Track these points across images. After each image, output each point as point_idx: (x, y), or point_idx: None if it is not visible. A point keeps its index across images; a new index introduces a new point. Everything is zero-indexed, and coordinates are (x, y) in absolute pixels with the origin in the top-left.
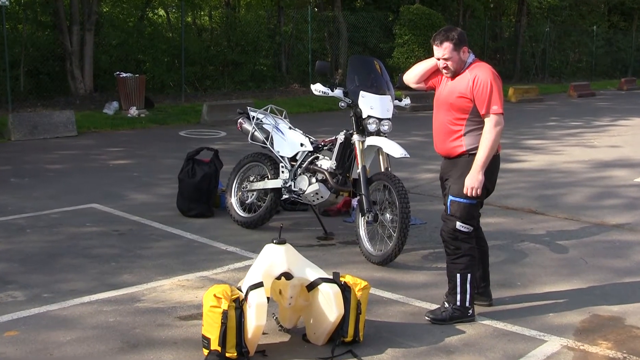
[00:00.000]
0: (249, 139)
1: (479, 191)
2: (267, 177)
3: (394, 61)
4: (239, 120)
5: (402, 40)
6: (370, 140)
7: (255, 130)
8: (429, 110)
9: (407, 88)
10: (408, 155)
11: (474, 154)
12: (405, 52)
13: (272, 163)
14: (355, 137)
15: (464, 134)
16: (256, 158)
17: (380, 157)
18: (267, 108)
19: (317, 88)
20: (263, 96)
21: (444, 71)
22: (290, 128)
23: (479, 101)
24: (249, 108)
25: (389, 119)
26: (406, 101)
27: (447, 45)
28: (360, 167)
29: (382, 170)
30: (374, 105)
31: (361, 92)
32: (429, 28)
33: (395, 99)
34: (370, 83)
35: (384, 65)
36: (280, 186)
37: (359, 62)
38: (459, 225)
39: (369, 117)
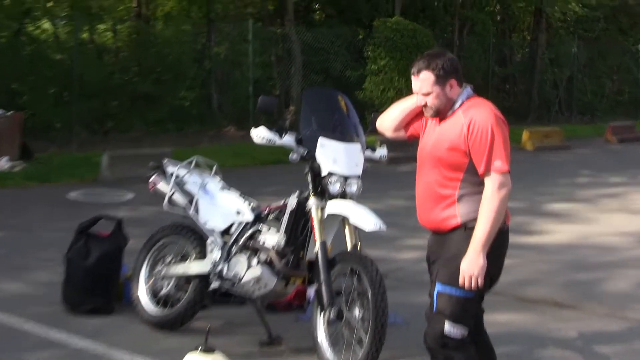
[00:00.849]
0: (165, 204)
1: (479, 280)
2: (190, 257)
3: (365, 94)
4: (152, 178)
5: (376, 67)
6: (333, 207)
7: (175, 192)
8: (414, 162)
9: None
10: (384, 228)
11: (472, 228)
12: (381, 82)
13: (196, 238)
14: (312, 202)
15: (458, 200)
16: (175, 231)
17: (347, 229)
18: (192, 160)
19: (260, 133)
20: (186, 143)
21: (424, 110)
22: (223, 189)
23: (477, 155)
24: (166, 160)
25: (358, 176)
26: (382, 151)
27: (427, 76)
28: (318, 243)
29: (350, 248)
30: (337, 157)
31: (320, 140)
32: (413, 49)
33: (367, 148)
34: (332, 126)
35: (350, 102)
36: (207, 271)
37: (318, 97)
38: (448, 327)
39: (331, 174)
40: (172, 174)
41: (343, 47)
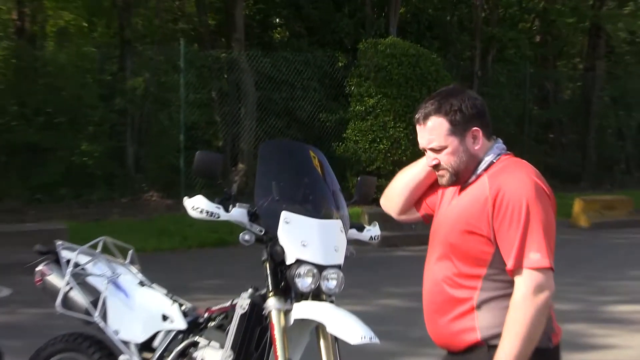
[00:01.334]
0: (58, 304)
1: None
2: None
3: (347, 148)
4: (39, 267)
5: (362, 107)
6: (302, 310)
7: (73, 287)
8: (417, 244)
9: (371, 202)
10: (376, 340)
11: (496, 346)
12: (370, 129)
13: (103, 355)
14: (272, 304)
15: (478, 307)
16: (72, 345)
17: (322, 343)
18: (98, 243)
19: (197, 204)
20: (89, 216)
21: (438, 176)
22: (142, 284)
23: (505, 243)
24: (60, 243)
25: (338, 266)
26: (372, 230)
27: (438, 123)
28: None
29: None
30: (309, 239)
31: (284, 214)
32: (415, 82)
33: (352, 227)
34: (301, 195)
35: (327, 159)
36: None
37: (280, 152)
38: None
39: (300, 263)
40: (68, 262)
41: (315, 79)
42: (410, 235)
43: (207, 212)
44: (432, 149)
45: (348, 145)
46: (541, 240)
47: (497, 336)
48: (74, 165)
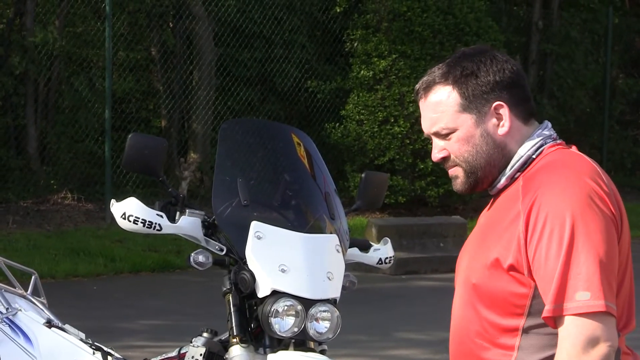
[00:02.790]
0: None
1: None
2: None
3: (347, 129)
4: None
5: (370, 72)
6: None
7: None
8: (445, 271)
9: (381, 209)
10: None
11: None
12: (381, 103)
13: None
14: (236, 353)
15: (518, 352)
16: None
17: None
18: None
19: (130, 211)
20: None
21: (451, 177)
22: (50, 325)
23: (542, 279)
24: None
25: (331, 301)
26: (382, 250)
27: (444, 95)
28: None
29: None
30: (289, 261)
31: (256, 226)
32: (449, 36)
33: (352, 246)
34: (280, 198)
35: (316, 148)
36: None
37: (250, 137)
38: None
39: (278, 295)
40: None
41: (302, 31)
42: (435, 257)
43: (144, 223)
44: (437, 134)
45: (348, 128)
46: (593, 273)
47: None
48: None
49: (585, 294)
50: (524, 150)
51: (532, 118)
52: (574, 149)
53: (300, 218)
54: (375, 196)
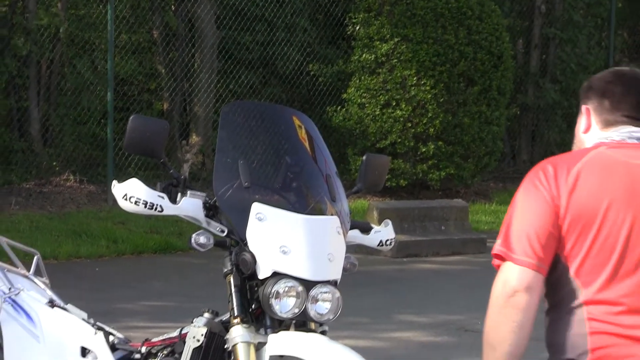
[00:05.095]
0: None
1: None
2: None
3: (349, 113)
4: None
5: (372, 56)
6: (281, 345)
7: None
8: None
9: (382, 192)
10: None
11: None
12: (383, 87)
13: None
14: (238, 335)
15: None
16: None
17: None
18: None
19: (131, 192)
20: None
21: None
22: (52, 304)
23: None
24: None
25: (332, 282)
26: (383, 232)
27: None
28: None
29: None
30: (290, 242)
31: (257, 207)
32: (451, 20)
33: (353, 227)
34: (281, 180)
35: (318, 131)
36: None
37: (251, 119)
38: None
39: (278, 276)
40: None
41: (303, 14)
42: (437, 240)
43: (146, 204)
44: None
45: (350, 111)
46: (505, 226)
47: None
48: None
49: (498, 240)
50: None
51: (622, 121)
52: (603, 148)
53: (302, 200)
54: (377, 178)
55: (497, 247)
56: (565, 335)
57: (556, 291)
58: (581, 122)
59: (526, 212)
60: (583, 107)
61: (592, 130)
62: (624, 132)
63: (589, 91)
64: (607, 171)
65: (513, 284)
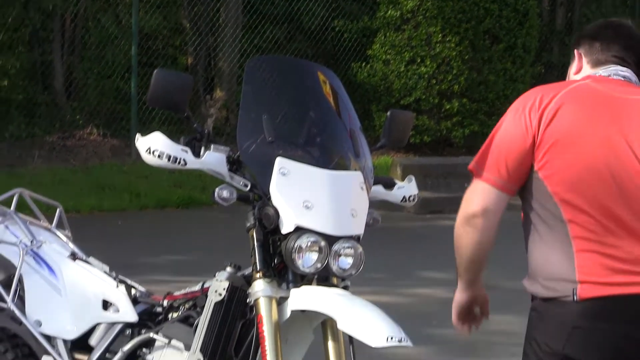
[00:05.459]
0: None
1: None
2: None
3: (373, 69)
4: None
5: (397, 12)
6: (303, 299)
7: None
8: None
9: (406, 148)
10: (408, 343)
11: (537, 295)
12: (408, 43)
13: (18, 356)
14: (260, 289)
15: (527, 251)
16: None
17: (331, 344)
18: (12, 197)
19: (155, 146)
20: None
21: None
22: (74, 257)
23: None
24: None
25: (355, 237)
26: (406, 188)
27: None
28: None
29: None
30: (313, 197)
31: (280, 162)
32: None
33: (377, 183)
34: (305, 135)
35: (343, 87)
36: None
37: (276, 74)
38: None
39: (301, 231)
40: None
41: None
42: (460, 197)
43: (169, 157)
44: None
45: (375, 67)
46: (484, 145)
47: (534, 283)
48: None
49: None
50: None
51: (610, 62)
52: (589, 81)
53: (325, 155)
54: (401, 134)
55: (472, 163)
56: (551, 254)
57: (538, 210)
58: (573, 66)
59: (504, 135)
60: (575, 52)
61: (582, 71)
62: (611, 69)
63: (580, 38)
64: (590, 100)
65: (473, 208)
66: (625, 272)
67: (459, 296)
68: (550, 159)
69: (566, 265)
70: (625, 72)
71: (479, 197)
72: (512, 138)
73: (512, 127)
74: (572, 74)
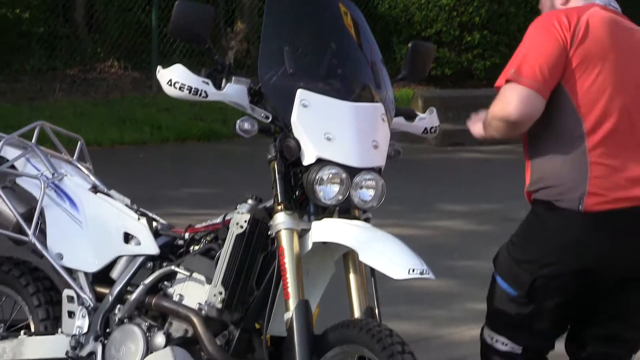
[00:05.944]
0: None
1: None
2: (27, 328)
3: (394, 1)
4: None
5: None
6: (324, 231)
7: None
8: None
9: (427, 80)
10: (430, 275)
11: (542, 201)
12: None
13: (39, 290)
14: (282, 221)
15: (529, 157)
16: None
17: (352, 277)
18: (33, 130)
19: (176, 77)
20: (20, 94)
21: None
22: (95, 190)
23: None
24: None
25: (376, 169)
26: (427, 119)
27: None
28: (293, 305)
29: (357, 313)
30: (335, 129)
31: (301, 94)
32: None
33: (398, 115)
34: (326, 67)
35: (364, 18)
36: (63, 356)
37: (297, 5)
38: (486, 334)
39: (323, 163)
40: None
41: None
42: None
43: (190, 89)
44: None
45: None
46: (519, 57)
47: (543, 188)
48: None
49: (511, 69)
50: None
51: None
52: (597, 8)
53: (347, 87)
54: (422, 66)
55: (510, 74)
56: (563, 166)
57: (555, 123)
58: None
59: (540, 48)
60: None
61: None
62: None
63: None
64: (609, 25)
65: (512, 112)
66: (634, 188)
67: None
68: (580, 74)
69: (578, 177)
70: (615, 3)
71: (518, 101)
72: (549, 50)
73: (546, 40)
74: (559, 3)
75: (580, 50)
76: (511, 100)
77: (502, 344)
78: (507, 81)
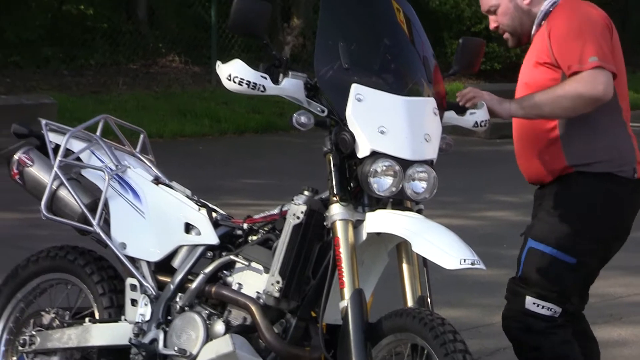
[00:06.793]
0: (43, 206)
1: (474, 99)
2: (93, 315)
3: None
4: (17, 155)
5: None
6: (378, 223)
7: (63, 185)
8: None
9: (477, 74)
10: (481, 265)
11: (585, 173)
12: None
13: (104, 278)
14: (337, 213)
15: (562, 136)
16: (61, 264)
17: (405, 267)
18: (97, 123)
19: (235, 72)
20: (85, 87)
21: (505, 38)
22: (157, 182)
23: (562, 55)
24: (44, 122)
25: (428, 162)
26: (478, 113)
27: None
28: (348, 293)
29: (410, 302)
30: (388, 123)
31: (356, 88)
32: None
33: (449, 109)
34: (380, 62)
35: (416, 15)
36: (126, 342)
37: (351, 2)
38: (530, 302)
39: (377, 156)
40: (57, 150)
41: None
42: None
43: (249, 84)
44: (489, 12)
45: None
46: (592, 44)
47: (586, 164)
48: (64, 16)
49: (593, 57)
50: (544, 8)
51: None
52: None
53: (399, 81)
54: (472, 61)
55: (595, 61)
56: (617, 139)
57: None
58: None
59: (603, 37)
60: None
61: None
62: None
63: None
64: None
65: (600, 94)
66: None
67: (504, 112)
68: (614, 57)
69: (629, 148)
70: None
71: (607, 82)
72: (607, 39)
73: (605, 31)
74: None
75: (614, 37)
76: (599, 82)
77: (548, 309)
78: (595, 67)
